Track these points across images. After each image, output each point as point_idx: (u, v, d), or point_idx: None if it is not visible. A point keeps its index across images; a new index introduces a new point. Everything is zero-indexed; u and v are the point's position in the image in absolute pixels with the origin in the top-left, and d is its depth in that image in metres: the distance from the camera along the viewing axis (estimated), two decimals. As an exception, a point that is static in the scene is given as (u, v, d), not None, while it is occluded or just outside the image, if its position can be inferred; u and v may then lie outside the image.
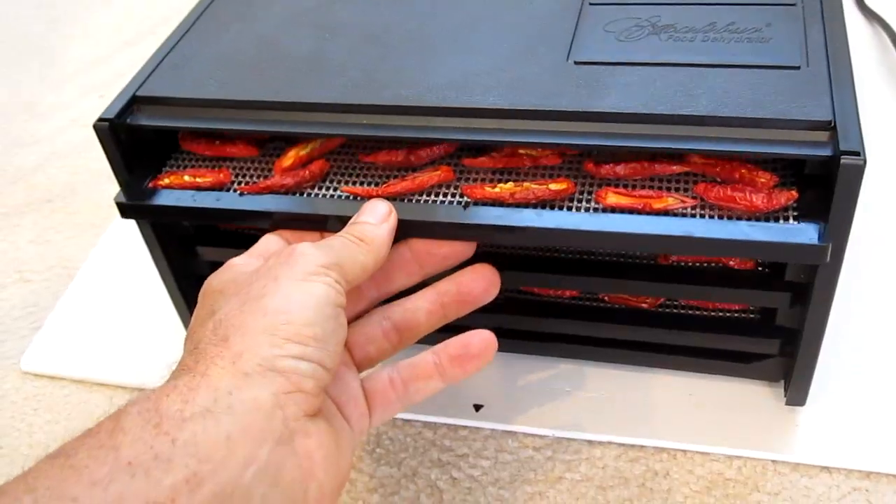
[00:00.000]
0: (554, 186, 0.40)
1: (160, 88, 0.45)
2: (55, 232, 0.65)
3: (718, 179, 0.40)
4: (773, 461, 0.44)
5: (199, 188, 0.44)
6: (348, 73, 0.43)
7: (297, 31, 0.47)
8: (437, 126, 0.40)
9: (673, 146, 0.38)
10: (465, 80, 0.42)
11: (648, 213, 0.39)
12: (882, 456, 0.44)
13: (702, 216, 0.39)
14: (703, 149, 0.38)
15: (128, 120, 0.44)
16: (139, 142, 0.45)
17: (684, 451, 0.45)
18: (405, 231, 0.40)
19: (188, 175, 0.44)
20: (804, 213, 0.38)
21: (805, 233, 0.37)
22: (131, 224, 0.46)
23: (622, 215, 0.39)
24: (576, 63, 0.42)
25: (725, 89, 0.39)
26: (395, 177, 0.43)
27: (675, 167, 0.40)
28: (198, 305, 0.37)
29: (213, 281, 0.38)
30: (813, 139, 0.37)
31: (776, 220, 0.38)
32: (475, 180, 0.42)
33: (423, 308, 0.41)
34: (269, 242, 0.41)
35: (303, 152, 0.44)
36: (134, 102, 0.44)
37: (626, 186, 0.40)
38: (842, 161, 0.35)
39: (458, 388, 0.47)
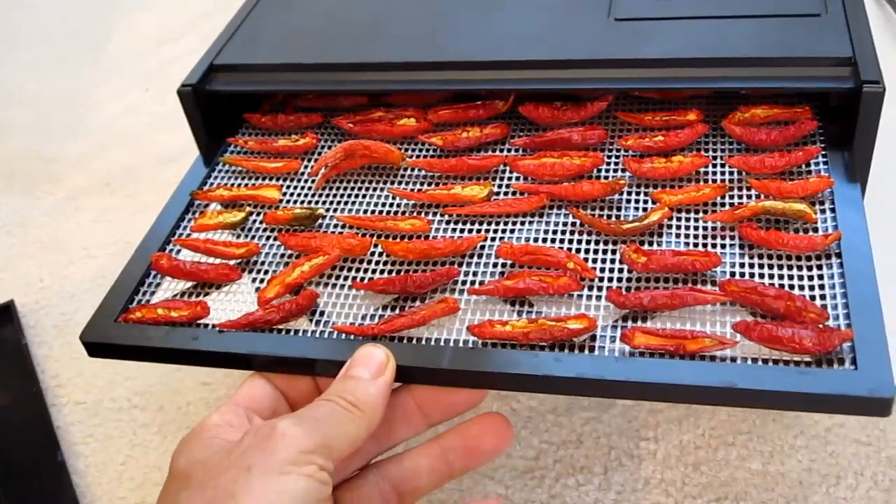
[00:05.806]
0: (573, 325, 0.36)
1: (235, 57, 0.49)
2: (116, 212, 0.69)
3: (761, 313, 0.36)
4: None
5: (173, 323, 0.40)
6: (409, 36, 0.48)
7: (356, 3, 0.52)
8: (496, 79, 0.45)
9: (711, 85, 0.42)
10: (518, 37, 0.46)
11: (682, 356, 0.35)
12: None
13: (743, 360, 0.34)
14: (738, 87, 0.42)
15: (207, 86, 0.48)
16: (216, 107, 0.49)
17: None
18: (407, 376, 0.36)
19: (161, 308, 0.41)
20: (830, 143, 0.42)
21: (865, 383, 0.32)
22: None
23: (652, 360, 0.35)
24: (616, 20, 0.46)
25: (755, 35, 0.43)
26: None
27: (708, 296, 0.36)
28: (164, 486, 0.32)
29: (181, 459, 0.33)
30: (836, 74, 0.41)
31: (829, 363, 0.34)
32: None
33: (424, 465, 0.37)
34: (254, 388, 0.37)
35: (289, 279, 0.40)
36: (212, 70, 0.49)
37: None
38: (864, 89, 0.39)
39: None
